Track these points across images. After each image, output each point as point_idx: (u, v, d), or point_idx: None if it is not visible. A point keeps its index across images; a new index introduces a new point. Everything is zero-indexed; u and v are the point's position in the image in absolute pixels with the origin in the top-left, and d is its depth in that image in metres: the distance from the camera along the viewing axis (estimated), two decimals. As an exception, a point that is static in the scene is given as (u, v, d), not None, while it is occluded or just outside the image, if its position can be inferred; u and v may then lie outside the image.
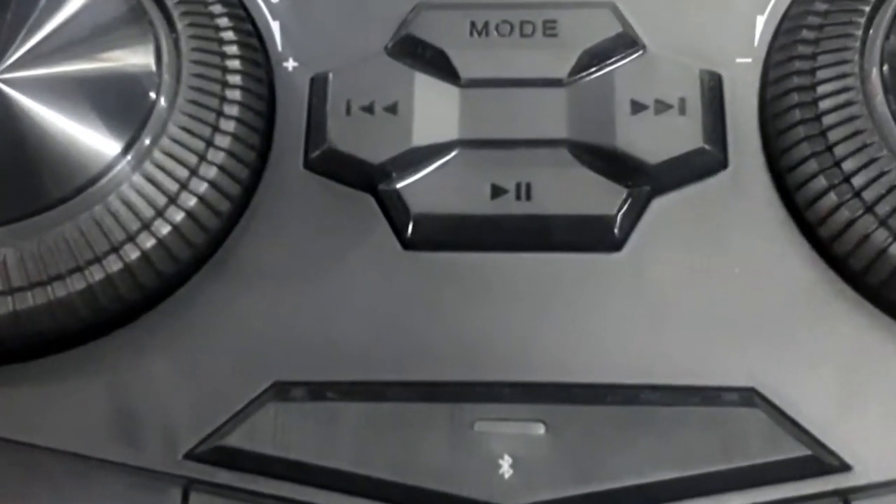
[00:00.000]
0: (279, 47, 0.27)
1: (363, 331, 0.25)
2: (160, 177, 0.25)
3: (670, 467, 0.23)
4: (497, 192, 0.25)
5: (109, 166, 0.24)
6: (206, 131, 0.25)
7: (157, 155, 0.25)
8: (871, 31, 0.26)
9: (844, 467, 0.23)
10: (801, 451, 0.23)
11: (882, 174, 0.24)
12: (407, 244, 0.25)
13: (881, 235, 0.24)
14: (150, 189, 0.24)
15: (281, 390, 0.24)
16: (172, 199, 0.25)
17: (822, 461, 0.23)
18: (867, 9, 0.26)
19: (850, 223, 0.24)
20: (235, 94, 0.26)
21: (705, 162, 0.26)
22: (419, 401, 0.24)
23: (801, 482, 0.23)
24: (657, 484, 0.23)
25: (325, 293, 0.25)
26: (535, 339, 0.24)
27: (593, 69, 0.26)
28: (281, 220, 0.26)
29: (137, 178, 0.24)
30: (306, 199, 0.26)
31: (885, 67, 0.25)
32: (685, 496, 0.23)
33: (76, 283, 0.24)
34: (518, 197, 0.25)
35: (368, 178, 0.26)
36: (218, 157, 0.25)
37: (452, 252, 0.25)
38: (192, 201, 0.25)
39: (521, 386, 0.24)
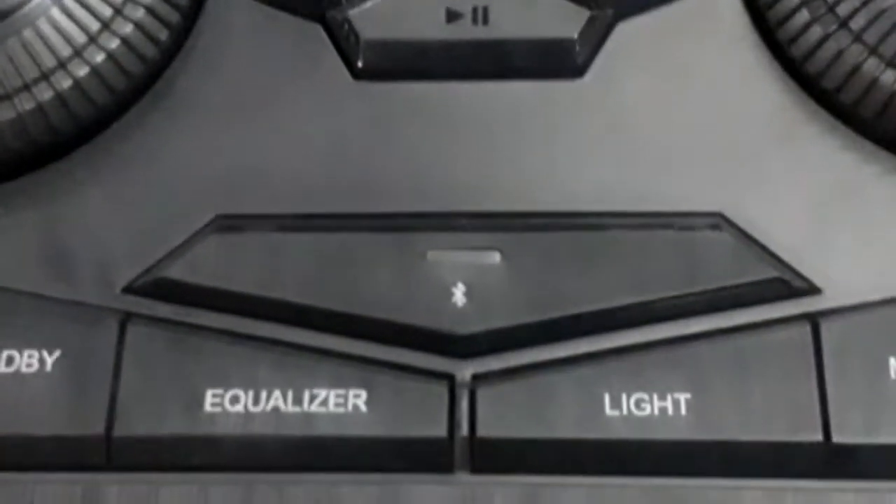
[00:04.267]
0: None
1: (311, 163, 0.24)
2: (92, 1, 0.24)
3: (632, 293, 0.23)
4: (452, 16, 0.25)
5: (38, -13, 0.24)
6: None
7: None
8: None
9: (814, 290, 0.23)
10: (768, 274, 0.23)
11: None
12: (357, 74, 0.25)
13: (856, 51, 0.23)
14: (81, 13, 0.24)
15: (224, 223, 0.24)
16: (106, 25, 0.24)
17: (790, 284, 0.23)
18: None
19: (824, 40, 0.24)
20: None
21: None
22: (369, 231, 0.23)
23: (768, 305, 0.23)
24: (618, 309, 0.23)
25: (271, 125, 0.25)
26: (493, 168, 0.24)
27: None
28: (224, 51, 0.25)
29: (68, 1, 0.24)
30: (251, 29, 0.26)
31: None
32: (648, 321, 0.22)
33: (5, 112, 0.24)
34: (475, 21, 0.25)
35: (316, 5, 0.25)
36: (154, -21, 0.25)
37: (405, 82, 0.25)
38: (127, 28, 0.24)
39: (476, 216, 0.24)
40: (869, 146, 0.24)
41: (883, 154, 0.24)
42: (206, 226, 0.24)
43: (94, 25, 0.24)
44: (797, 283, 0.23)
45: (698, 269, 0.23)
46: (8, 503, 0.22)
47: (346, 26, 0.25)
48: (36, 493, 0.22)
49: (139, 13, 0.24)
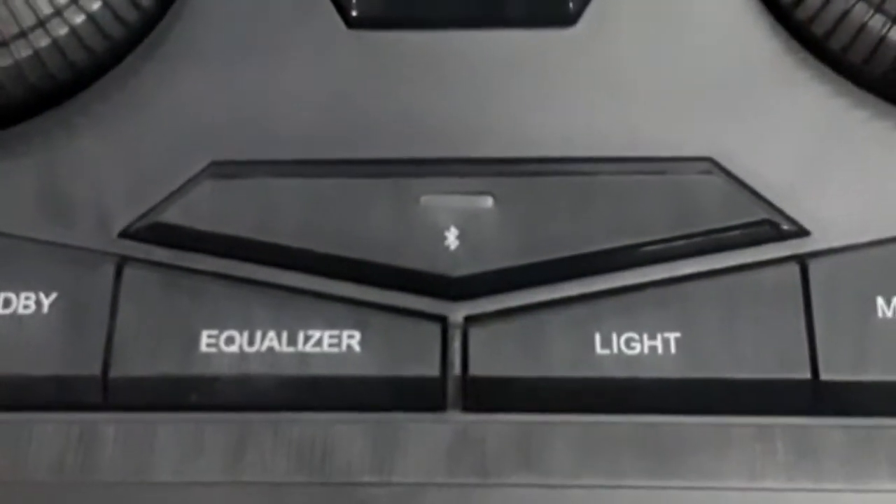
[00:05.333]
0: None
1: (305, 110, 0.24)
2: None
3: (623, 236, 0.23)
4: None
5: (32, -65, 0.24)
6: None
7: None
8: None
9: (802, 232, 0.23)
10: (757, 216, 0.23)
11: None
12: (351, 22, 0.25)
13: None
14: None
15: (219, 169, 0.24)
16: None
17: (779, 226, 0.23)
18: None
19: None
20: None
21: None
22: (363, 177, 0.23)
23: (758, 247, 0.23)
24: (609, 251, 0.23)
25: (265, 73, 0.25)
26: (486, 115, 0.24)
27: None
28: (218, 0, 0.25)
29: None
30: None
31: None
32: (638, 263, 0.23)
33: (2, 59, 0.24)
34: None
35: None
36: (148, -72, 0.25)
37: (399, 30, 0.25)
38: None
39: (469, 161, 0.24)
40: (857, 92, 0.24)
41: (871, 99, 0.24)
42: (202, 171, 0.24)
43: None
44: (786, 225, 0.23)
45: (688, 212, 0.23)
46: (6, 442, 0.22)
47: None
48: (34, 432, 0.22)
49: None
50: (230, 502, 0.21)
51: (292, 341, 0.22)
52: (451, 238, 0.23)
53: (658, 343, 0.22)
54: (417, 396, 0.22)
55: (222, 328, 0.22)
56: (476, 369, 0.22)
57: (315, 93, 0.24)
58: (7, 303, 0.23)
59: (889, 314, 0.22)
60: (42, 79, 0.24)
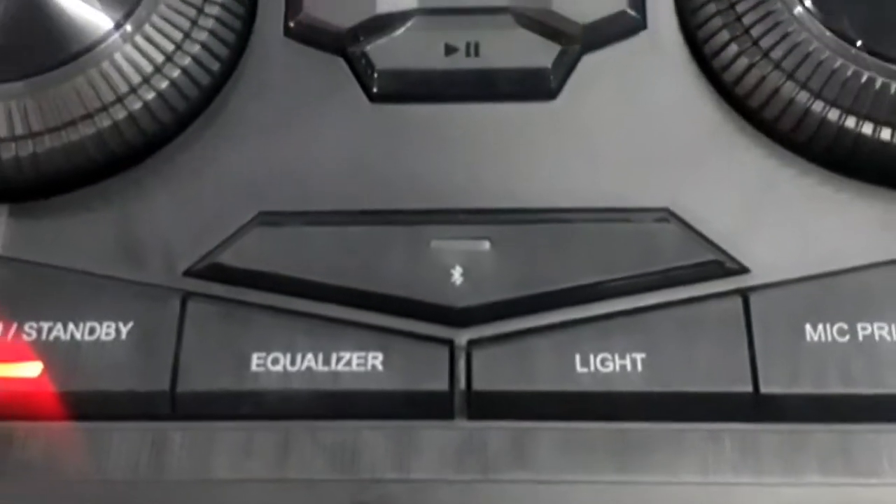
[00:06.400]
0: (261, -67, 0.26)
1: (335, 170, 0.24)
2: (158, 38, 0.24)
3: (597, 273, 0.22)
4: (450, 50, 0.24)
5: (114, 29, 0.23)
6: (197, 1, 0.24)
7: (155, 19, 0.24)
8: None
9: (743, 270, 0.22)
10: (706, 257, 0.22)
11: (776, 25, 0.23)
12: (373, 97, 0.24)
13: (776, 76, 0.23)
14: (149, 48, 0.23)
15: (265, 218, 0.23)
16: (169, 58, 0.24)
17: (724, 265, 0.22)
18: None
19: (750, 68, 0.23)
20: None
21: (627, 23, 0.25)
22: (383, 224, 0.23)
23: (707, 283, 0.22)
24: (585, 286, 0.22)
25: (303, 139, 0.24)
26: (483, 172, 0.23)
27: (530, -53, 0.25)
28: (264, 79, 0.25)
29: (139, 39, 0.23)
30: (286, 62, 0.25)
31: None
32: (609, 296, 0.22)
33: (87, 129, 0.23)
34: (468, 54, 0.24)
35: (339, 43, 0.25)
36: (208, 23, 0.24)
37: (412, 104, 0.24)
38: (185, 60, 0.24)
39: (470, 211, 0.23)
40: (787, 154, 0.23)
41: (798, 160, 0.23)
42: (251, 220, 0.23)
43: (159, 58, 0.24)
44: (730, 264, 0.22)
45: (649, 254, 0.22)
46: (90, 447, 0.21)
47: (364, 59, 0.24)
48: (113, 438, 0.21)
49: (195, 48, 0.24)
50: (276, 496, 0.21)
51: (327, 361, 0.21)
52: (457, 275, 0.22)
53: (627, 362, 0.21)
54: (430, 407, 0.21)
55: (269, 351, 0.22)
56: (478, 384, 0.21)
57: (343, 155, 0.24)
58: (92, 331, 0.22)
59: (816, 338, 0.21)
60: (119, 145, 0.23)
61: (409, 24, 0.25)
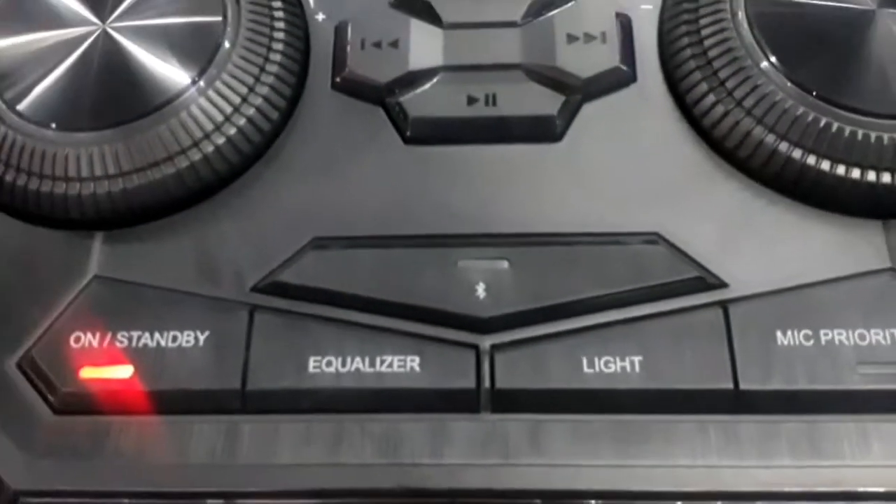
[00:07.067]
0: (312, 5, 0.26)
1: (376, 201, 0.24)
2: (227, 93, 0.24)
3: (599, 287, 0.22)
4: (471, 100, 0.24)
5: (191, 84, 0.23)
6: (260, 62, 0.24)
7: (225, 76, 0.24)
8: None
9: (723, 285, 0.22)
10: (691, 274, 0.22)
11: (747, 78, 0.23)
12: (407, 140, 0.24)
13: (747, 122, 0.23)
14: (220, 101, 0.24)
15: (318, 243, 0.23)
16: (236, 109, 0.24)
17: (706, 281, 0.22)
18: None
19: (725, 115, 0.23)
20: (280, 37, 0.25)
21: (620, 77, 0.25)
22: (417, 247, 0.23)
23: (692, 296, 0.22)
24: (589, 299, 0.22)
25: (348, 176, 0.24)
26: (501, 203, 0.23)
27: (539, 14, 0.25)
28: (315, 126, 0.25)
29: (211, 93, 0.24)
30: (333, 111, 0.25)
31: (749, 9, 0.24)
32: (609, 307, 0.22)
33: (168, 169, 0.23)
34: (487, 104, 0.24)
35: (378, 95, 0.25)
36: (269, 79, 0.24)
37: (440, 145, 0.24)
38: (250, 111, 0.24)
39: (491, 235, 0.23)
40: (758, 186, 0.23)
41: (768, 191, 0.23)
42: (306, 245, 0.23)
43: (228, 109, 0.24)
44: (711, 280, 0.22)
45: (643, 271, 0.22)
46: (175, 437, 0.21)
47: (399, 108, 0.24)
48: (193, 429, 0.21)
49: (258, 101, 0.24)
50: (330, 478, 0.21)
51: (372, 364, 0.22)
52: (480, 290, 0.22)
53: (626, 364, 0.21)
54: (459, 402, 0.21)
55: (323, 355, 0.22)
56: (500, 383, 0.21)
57: (383, 189, 0.24)
58: (174, 338, 0.22)
59: (785, 343, 0.21)
60: (195, 182, 0.23)
61: (436, 78, 0.25)
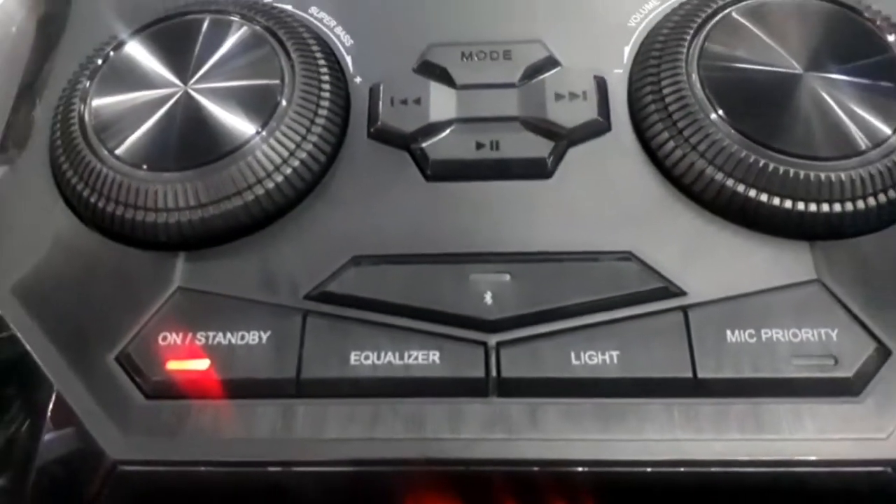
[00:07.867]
0: (351, 70, 0.27)
1: (403, 227, 0.24)
2: (284, 140, 0.24)
3: (582, 295, 0.22)
4: (479, 146, 0.25)
5: (255, 134, 0.24)
6: (310, 116, 0.25)
7: (283, 128, 0.24)
8: (689, 52, 0.25)
9: (683, 293, 0.22)
10: (657, 284, 0.23)
11: (700, 127, 0.24)
12: (428, 178, 0.25)
13: (701, 163, 0.24)
14: (279, 147, 0.24)
15: (357, 260, 0.23)
16: (292, 153, 0.24)
17: (669, 290, 0.23)
18: (687, 39, 0.25)
19: (682, 157, 0.24)
20: (326, 96, 0.25)
21: (598, 126, 0.25)
22: (436, 264, 0.23)
23: (658, 302, 0.22)
24: (576, 304, 0.22)
25: (381, 206, 0.24)
26: (504, 228, 0.24)
27: (533, 77, 0.26)
28: (354, 167, 0.25)
29: (272, 141, 0.24)
30: (369, 155, 0.25)
31: (700, 72, 0.25)
32: (592, 311, 0.22)
33: (237, 201, 0.24)
34: (492, 148, 0.25)
35: (404, 142, 0.25)
36: (317, 130, 0.25)
37: (455, 182, 0.25)
38: (303, 155, 0.24)
39: (496, 254, 0.23)
40: (710, 215, 0.24)
41: (718, 219, 0.24)
42: (347, 262, 0.23)
43: (285, 154, 0.24)
44: (673, 289, 0.23)
45: (618, 282, 0.23)
46: (241, 417, 0.22)
47: (421, 152, 0.25)
48: (257, 410, 0.22)
49: (309, 146, 0.24)
50: (368, 450, 0.21)
51: (402, 358, 0.22)
52: (488, 298, 0.23)
53: (607, 357, 0.22)
54: (472, 389, 0.22)
55: (362, 350, 0.22)
56: (505, 373, 0.22)
57: (409, 217, 0.24)
58: (242, 337, 0.22)
59: (734, 340, 0.22)
60: (259, 212, 0.24)
61: (451, 128, 0.25)
